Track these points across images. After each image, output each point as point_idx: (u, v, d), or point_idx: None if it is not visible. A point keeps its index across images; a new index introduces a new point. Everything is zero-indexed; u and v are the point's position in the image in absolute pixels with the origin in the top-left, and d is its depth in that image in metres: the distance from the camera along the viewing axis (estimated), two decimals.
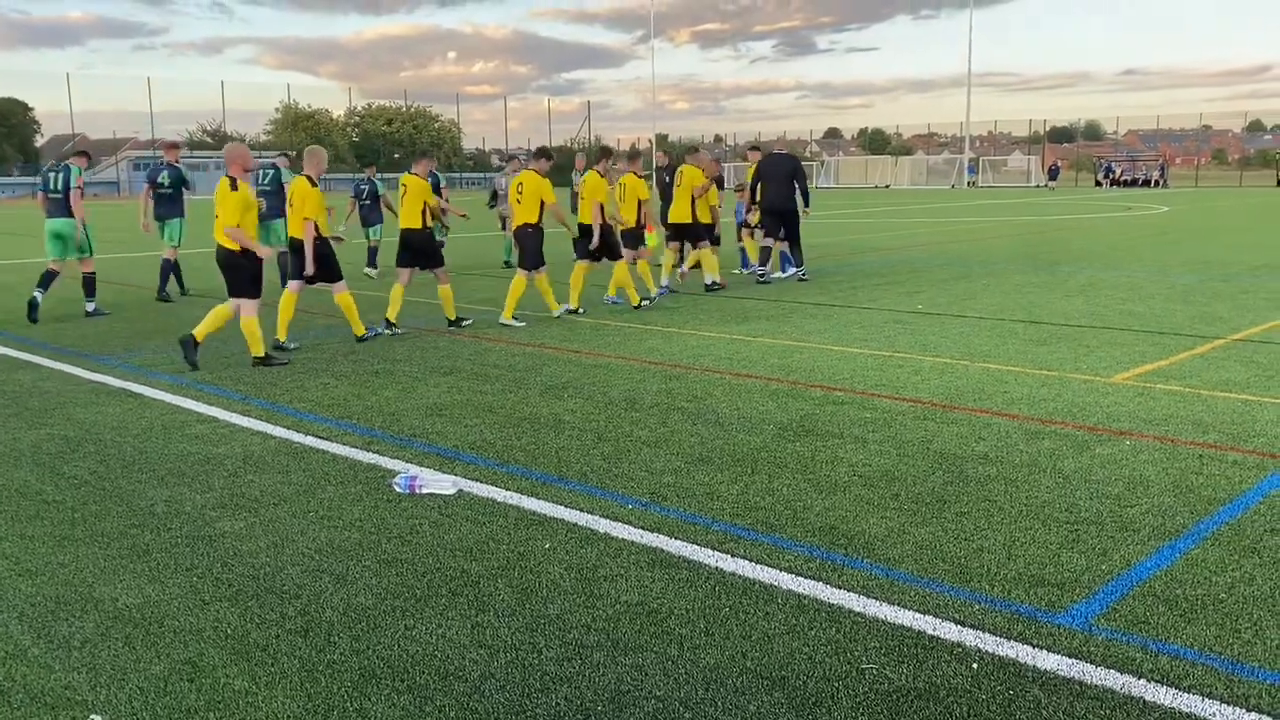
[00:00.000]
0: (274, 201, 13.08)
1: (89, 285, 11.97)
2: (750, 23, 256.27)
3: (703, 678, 3.31)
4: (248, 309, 8.48)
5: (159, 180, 13.46)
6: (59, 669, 3.42)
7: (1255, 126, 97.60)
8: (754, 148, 12.49)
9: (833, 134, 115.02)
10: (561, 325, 10.67)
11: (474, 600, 3.91)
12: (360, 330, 9.66)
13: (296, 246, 9.26)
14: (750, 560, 4.25)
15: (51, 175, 11.74)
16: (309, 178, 9.24)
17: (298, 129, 79.30)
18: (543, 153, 11.15)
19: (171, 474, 5.57)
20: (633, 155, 12.72)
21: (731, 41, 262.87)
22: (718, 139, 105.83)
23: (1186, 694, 3.16)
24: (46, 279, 11.68)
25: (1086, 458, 5.62)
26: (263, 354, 8.55)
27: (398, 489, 5.19)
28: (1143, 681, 3.24)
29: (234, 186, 8.27)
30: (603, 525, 4.68)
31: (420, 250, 10.36)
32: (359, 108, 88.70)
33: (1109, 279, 14.25)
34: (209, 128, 78.96)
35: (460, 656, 3.47)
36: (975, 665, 3.37)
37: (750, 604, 3.85)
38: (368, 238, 16.47)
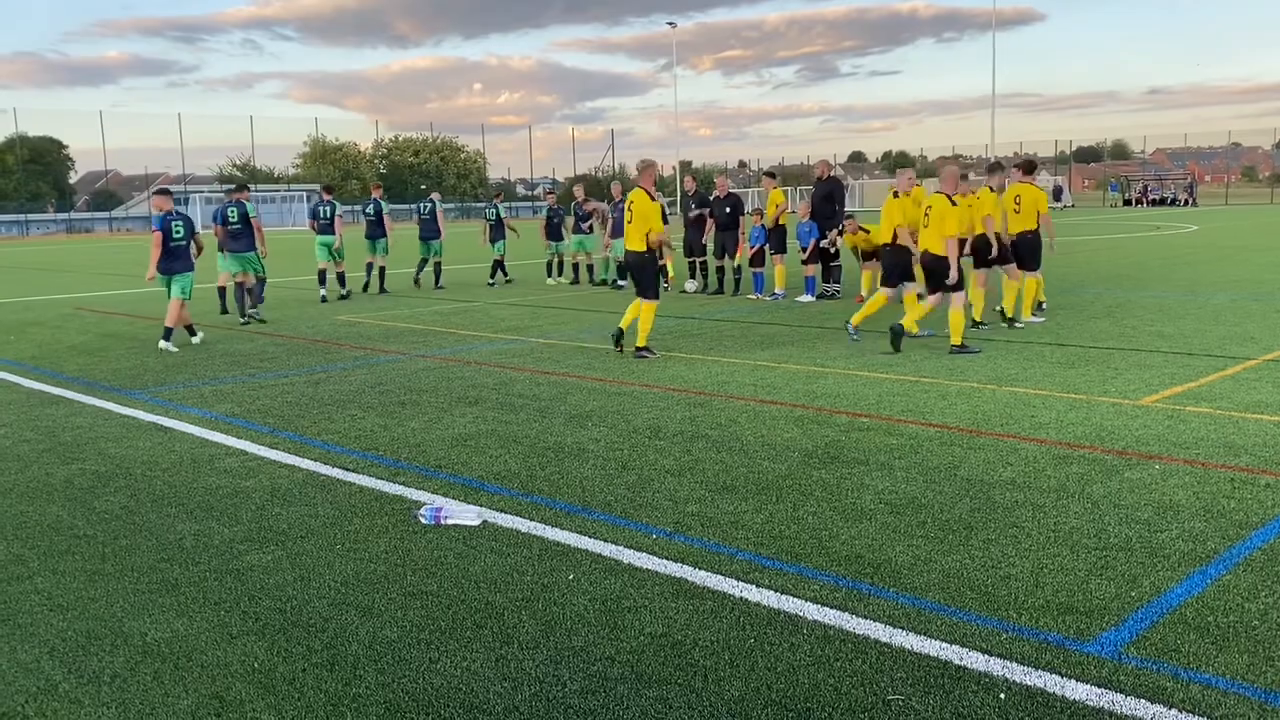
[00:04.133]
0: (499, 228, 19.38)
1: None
2: (773, 49, 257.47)
3: (727, 710, 3.30)
4: (958, 300, 10.06)
5: (320, 213, 17.23)
6: (89, 704, 3.45)
7: None
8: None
9: (856, 157, 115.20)
10: (584, 354, 10.70)
11: (498, 632, 3.92)
12: (957, 340, 10.17)
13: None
14: (775, 590, 4.24)
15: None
16: (948, 196, 10.07)
17: (325, 162, 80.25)
18: (1031, 167, 12.27)
19: (200, 507, 5.63)
20: (992, 168, 12.22)
21: (754, 68, 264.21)
22: (741, 164, 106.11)
23: None
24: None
25: (1115, 482, 5.57)
26: (959, 342, 10.07)
27: (423, 520, 5.22)
28: (1174, 711, 3.19)
29: (903, 195, 10.62)
30: (627, 555, 4.68)
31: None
32: (386, 140, 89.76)
33: (1137, 300, 14.14)
34: (238, 162, 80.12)
35: (485, 689, 3.47)
36: (1003, 695, 3.34)
37: (775, 635, 3.83)
38: (496, 252, 19.71)
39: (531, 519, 5.24)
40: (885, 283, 11.30)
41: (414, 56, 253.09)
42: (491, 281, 19.50)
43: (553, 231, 19.55)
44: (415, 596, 4.29)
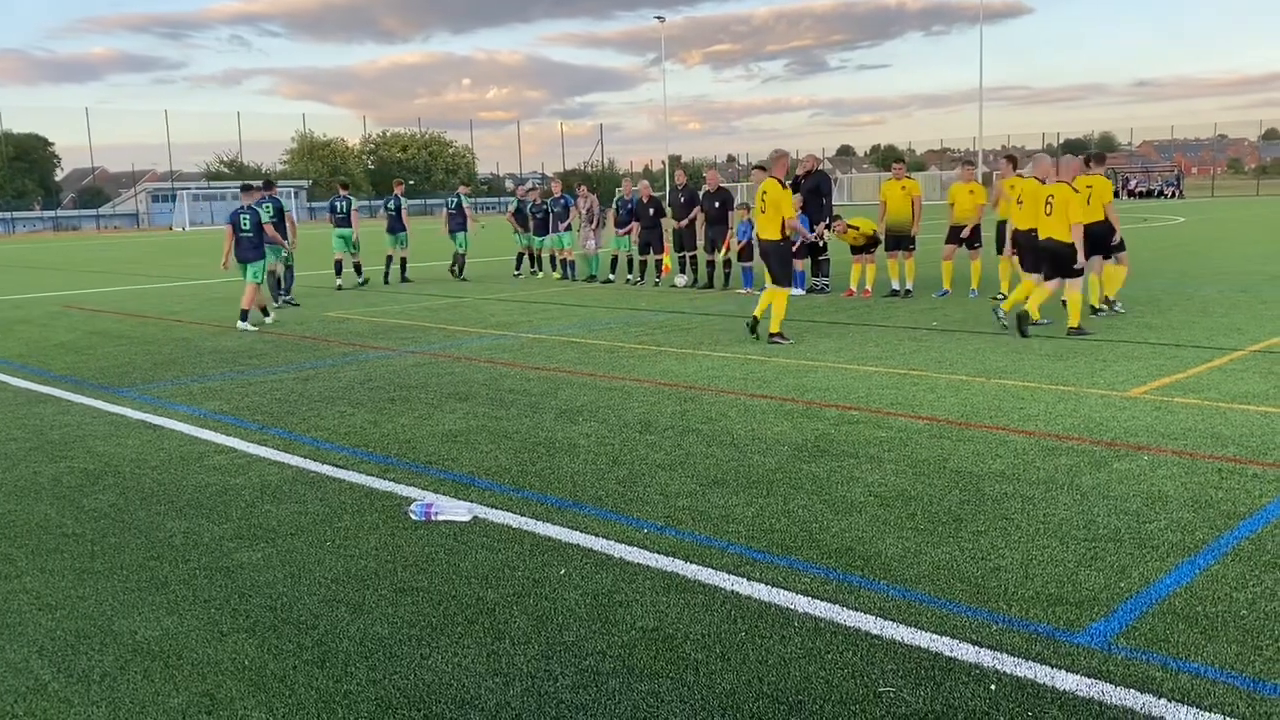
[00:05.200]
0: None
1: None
2: (761, 43, 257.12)
3: (719, 704, 3.30)
4: (1073, 286, 10.32)
5: (337, 208, 18.34)
6: (78, 703, 3.44)
7: (1271, 135, 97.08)
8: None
9: (845, 151, 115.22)
10: (575, 348, 10.69)
11: (490, 628, 3.92)
12: (1074, 322, 10.46)
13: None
14: (766, 583, 4.24)
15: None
16: (1069, 184, 10.21)
17: (313, 158, 80.00)
18: (1093, 157, 11.67)
19: (190, 505, 5.60)
20: (1099, 158, 12.09)
21: (743, 62, 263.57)
22: (730, 159, 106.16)
23: (1208, 713, 3.14)
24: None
25: (1104, 474, 5.59)
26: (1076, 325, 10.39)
27: (414, 516, 5.21)
28: (1163, 701, 3.21)
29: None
30: (618, 550, 4.68)
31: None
32: (374, 135, 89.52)
33: (1125, 292, 14.14)
34: (225, 159, 79.81)
35: (477, 685, 3.47)
36: (993, 686, 3.35)
37: (766, 628, 3.84)
38: (520, 244, 20.43)
39: (522, 514, 5.24)
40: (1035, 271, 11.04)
41: (402, 52, 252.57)
42: (516, 273, 20.28)
43: (536, 226, 19.61)
44: (406, 593, 4.28)
